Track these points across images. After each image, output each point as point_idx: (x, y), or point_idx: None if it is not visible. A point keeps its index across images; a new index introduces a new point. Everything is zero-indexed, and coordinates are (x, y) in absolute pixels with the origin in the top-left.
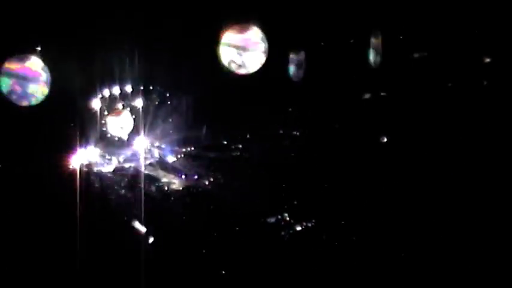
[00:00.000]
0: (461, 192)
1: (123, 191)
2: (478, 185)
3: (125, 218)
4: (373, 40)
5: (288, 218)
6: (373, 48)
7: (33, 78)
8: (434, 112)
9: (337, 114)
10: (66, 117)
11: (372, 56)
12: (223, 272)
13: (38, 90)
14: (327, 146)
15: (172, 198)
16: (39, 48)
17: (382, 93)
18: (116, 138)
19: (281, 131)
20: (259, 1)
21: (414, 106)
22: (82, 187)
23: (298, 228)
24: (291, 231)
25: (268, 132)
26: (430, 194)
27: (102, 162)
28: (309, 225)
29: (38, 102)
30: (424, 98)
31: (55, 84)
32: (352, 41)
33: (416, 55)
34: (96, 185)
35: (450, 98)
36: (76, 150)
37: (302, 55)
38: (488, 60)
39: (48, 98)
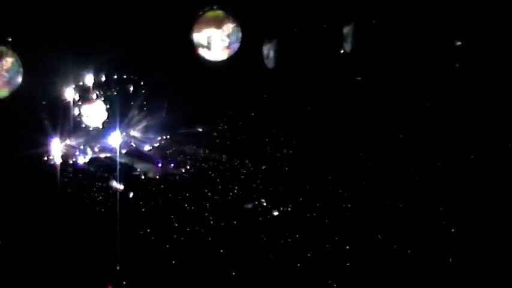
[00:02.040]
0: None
1: (98, 180)
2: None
3: (101, 208)
4: (345, 28)
5: (265, 204)
6: (346, 36)
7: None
8: (408, 98)
9: (312, 101)
10: (40, 108)
11: (344, 43)
12: (201, 260)
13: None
14: (303, 133)
15: (148, 187)
16: (10, 39)
17: (357, 78)
18: (91, 128)
19: (255, 118)
20: None
21: (388, 93)
22: (57, 177)
23: (275, 213)
24: (268, 217)
25: (243, 119)
26: (416, 186)
27: (77, 152)
28: (285, 210)
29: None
30: (398, 84)
31: (28, 75)
32: (325, 25)
33: (389, 42)
34: (71, 175)
35: (422, 85)
36: (50, 140)
37: (275, 43)
38: (459, 45)
39: (21, 89)
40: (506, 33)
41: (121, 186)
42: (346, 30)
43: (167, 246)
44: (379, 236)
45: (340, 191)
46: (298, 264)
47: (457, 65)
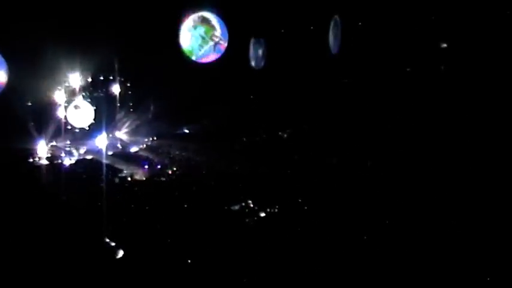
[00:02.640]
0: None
1: (84, 181)
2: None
3: (87, 208)
4: (332, 28)
5: (251, 206)
6: (333, 37)
7: None
8: (395, 97)
9: (299, 102)
10: (26, 109)
11: (331, 44)
12: (189, 261)
13: None
14: (290, 134)
15: (135, 189)
16: None
17: (344, 80)
18: (77, 130)
19: (242, 120)
20: None
21: (374, 94)
22: (43, 179)
23: (262, 214)
24: (255, 218)
25: (230, 120)
26: (401, 181)
27: (64, 153)
28: (271, 211)
29: None
30: (384, 85)
31: (15, 76)
32: (312, 27)
33: (375, 44)
34: (58, 177)
35: (408, 86)
36: (36, 142)
37: (263, 44)
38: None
39: (8, 90)
40: (492, 36)
41: (107, 188)
42: (333, 32)
43: (153, 246)
44: (373, 234)
45: (327, 189)
46: (287, 265)
47: (442, 67)
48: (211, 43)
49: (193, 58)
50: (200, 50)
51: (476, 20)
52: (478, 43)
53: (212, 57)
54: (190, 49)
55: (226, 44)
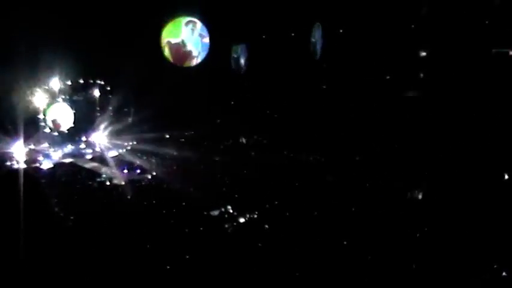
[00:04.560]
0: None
1: (63, 186)
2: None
3: (66, 213)
4: (314, 33)
5: (231, 211)
6: (315, 42)
7: None
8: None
9: (282, 105)
10: (4, 112)
11: (313, 50)
12: (168, 267)
13: None
14: (276, 138)
15: (114, 193)
16: None
17: (323, 86)
18: (56, 133)
19: (226, 124)
20: None
21: (355, 99)
22: (21, 183)
23: (241, 220)
24: (234, 223)
25: (212, 124)
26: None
27: (42, 157)
28: (251, 217)
29: None
30: (364, 90)
31: None
32: (293, 34)
33: (356, 50)
34: (36, 181)
35: (389, 91)
36: (15, 145)
37: (244, 48)
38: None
39: None
40: (473, 51)
41: (85, 192)
42: (315, 37)
43: (133, 251)
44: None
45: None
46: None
47: (422, 74)
48: (193, 48)
49: (176, 63)
50: (182, 55)
51: (458, 28)
52: (459, 51)
53: (194, 62)
54: (173, 53)
55: (208, 49)
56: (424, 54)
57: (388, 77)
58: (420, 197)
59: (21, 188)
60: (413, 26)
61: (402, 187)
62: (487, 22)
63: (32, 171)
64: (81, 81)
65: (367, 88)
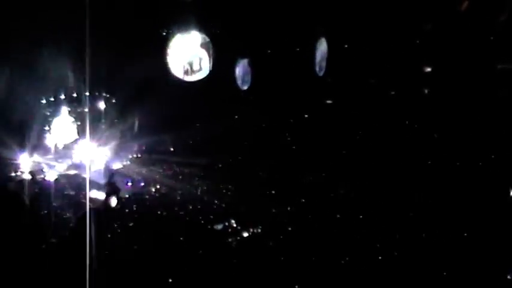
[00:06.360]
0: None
1: (67, 198)
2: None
3: (70, 225)
4: (318, 46)
5: (234, 224)
6: (319, 55)
7: None
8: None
9: (285, 119)
10: (9, 123)
11: (317, 62)
12: (170, 280)
13: None
14: (278, 150)
15: (118, 206)
16: None
17: (327, 101)
18: (61, 145)
19: (229, 137)
20: (207, 9)
21: (360, 116)
22: (25, 195)
23: (245, 234)
24: (239, 238)
25: (216, 137)
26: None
27: (46, 168)
28: (256, 231)
29: None
30: (369, 107)
31: None
32: (298, 48)
33: (362, 66)
34: (40, 192)
35: (393, 108)
36: (19, 156)
37: (248, 62)
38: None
39: None
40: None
41: (90, 204)
42: (319, 53)
43: (137, 264)
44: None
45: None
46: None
47: (426, 91)
48: (198, 62)
49: (180, 77)
50: (187, 69)
51: (461, 41)
52: (463, 65)
53: (198, 75)
54: (178, 66)
55: (212, 62)
56: (429, 70)
57: (393, 93)
58: (420, 198)
59: (25, 199)
60: (418, 41)
61: (402, 191)
62: (492, 38)
63: (36, 183)
64: (87, 93)
65: (373, 104)
